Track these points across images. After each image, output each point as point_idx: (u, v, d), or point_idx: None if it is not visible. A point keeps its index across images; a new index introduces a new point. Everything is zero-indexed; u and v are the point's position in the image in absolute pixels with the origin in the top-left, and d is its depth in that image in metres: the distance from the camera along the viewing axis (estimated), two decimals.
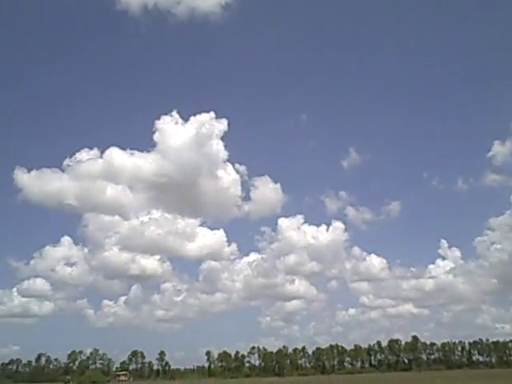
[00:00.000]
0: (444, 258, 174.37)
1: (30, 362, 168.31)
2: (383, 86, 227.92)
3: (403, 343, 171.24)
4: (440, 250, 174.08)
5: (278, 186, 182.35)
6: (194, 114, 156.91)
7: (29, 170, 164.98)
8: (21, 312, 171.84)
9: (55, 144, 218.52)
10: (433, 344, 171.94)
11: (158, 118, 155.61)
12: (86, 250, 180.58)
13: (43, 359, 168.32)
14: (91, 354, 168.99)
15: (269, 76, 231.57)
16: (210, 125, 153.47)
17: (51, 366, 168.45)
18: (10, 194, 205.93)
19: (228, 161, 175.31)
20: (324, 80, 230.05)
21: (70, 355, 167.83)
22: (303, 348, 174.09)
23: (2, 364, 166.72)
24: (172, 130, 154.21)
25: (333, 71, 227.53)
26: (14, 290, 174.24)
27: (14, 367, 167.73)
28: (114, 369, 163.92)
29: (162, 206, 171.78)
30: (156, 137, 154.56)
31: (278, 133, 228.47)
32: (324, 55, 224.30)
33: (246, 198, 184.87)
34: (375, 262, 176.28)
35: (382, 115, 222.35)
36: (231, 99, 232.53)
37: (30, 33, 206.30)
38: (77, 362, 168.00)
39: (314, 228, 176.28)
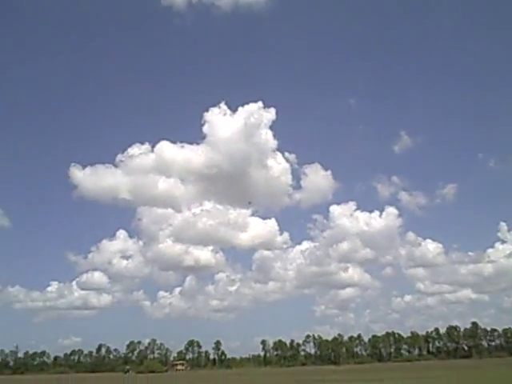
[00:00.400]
0: (504, 242, 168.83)
1: (90, 352, 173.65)
2: (433, 67, 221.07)
3: (462, 330, 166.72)
4: (499, 234, 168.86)
5: (329, 173, 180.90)
6: (242, 105, 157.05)
7: (83, 167, 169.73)
8: (81, 304, 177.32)
9: (108, 140, 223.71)
10: (494, 330, 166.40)
11: (207, 110, 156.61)
12: (140, 242, 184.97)
13: (103, 350, 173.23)
14: (149, 344, 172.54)
15: (315, 63, 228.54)
16: (258, 114, 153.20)
17: (111, 356, 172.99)
18: (67, 190, 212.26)
19: (277, 150, 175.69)
20: (371, 63, 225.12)
21: (128, 345, 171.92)
22: (359, 336, 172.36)
23: (65, 355, 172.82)
24: (221, 122, 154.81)
25: (380, 54, 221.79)
26: (74, 283, 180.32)
27: (76, 357, 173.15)
28: (172, 358, 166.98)
29: (213, 197, 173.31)
30: (205, 129, 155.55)
31: (327, 119, 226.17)
32: (370, 38, 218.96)
33: (297, 186, 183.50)
34: (431, 248, 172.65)
35: (433, 96, 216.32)
36: (278, 88, 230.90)
37: (74, 32, 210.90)
38: (135, 352, 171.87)
39: (366, 214, 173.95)
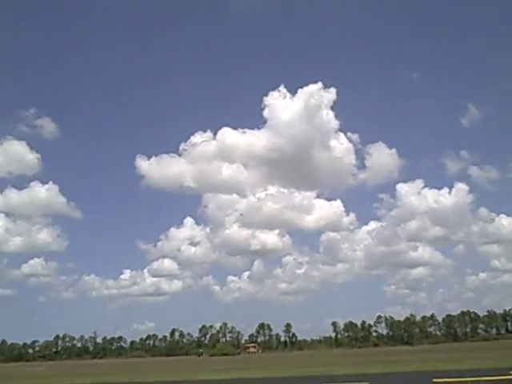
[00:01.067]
0: None
1: (165, 336, 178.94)
2: (500, 31, 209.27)
3: None
4: None
5: (394, 151, 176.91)
6: (302, 87, 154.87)
7: (148, 158, 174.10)
8: (153, 291, 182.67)
9: (170, 130, 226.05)
10: None
11: (266, 95, 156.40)
12: (207, 229, 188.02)
13: (177, 334, 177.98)
14: (221, 327, 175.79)
15: (374, 38, 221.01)
16: (318, 95, 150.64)
17: (184, 340, 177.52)
18: (134, 181, 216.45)
19: (340, 130, 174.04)
20: (434, 34, 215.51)
21: (201, 329, 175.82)
22: (432, 316, 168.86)
23: (141, 339, 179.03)
24: (281, 105, 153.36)
25: (442, 24, 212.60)
26: (145, 270, 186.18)
27: (151, 342, 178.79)
28: (243, 341, 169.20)
29: (277, 181, 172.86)
30: (265, 113, 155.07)
31: (390, 96, 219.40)
32: (431, 9, 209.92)
33: (361, 166, 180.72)
34: (505, 223, 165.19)
35: (500, 65, 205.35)
36: (338, 67, 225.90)
37: (134, 23, 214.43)
38: (208, 336, 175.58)
39: (435, 191, 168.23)
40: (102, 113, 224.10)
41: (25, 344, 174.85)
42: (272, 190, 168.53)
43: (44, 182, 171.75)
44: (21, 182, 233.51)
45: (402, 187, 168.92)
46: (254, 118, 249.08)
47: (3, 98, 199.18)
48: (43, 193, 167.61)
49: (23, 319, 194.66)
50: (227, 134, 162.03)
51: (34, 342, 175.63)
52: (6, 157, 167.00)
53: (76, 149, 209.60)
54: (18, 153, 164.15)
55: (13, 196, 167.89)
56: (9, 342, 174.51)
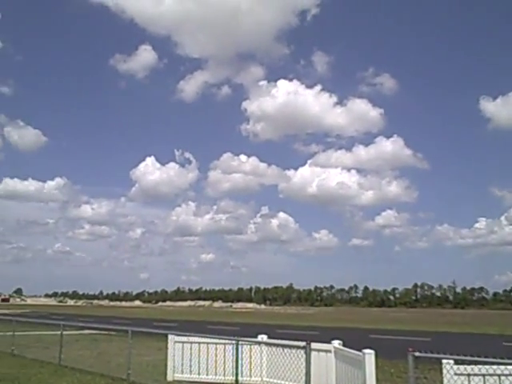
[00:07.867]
0: None
1: None
2: None
3: None
4: None
5: None
6: None
7: (494, 98, 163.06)
8: None
9: None
10: None
11: None
12: None
13: None
14: None
15: None
16: None
17: None
18: (479, 124, 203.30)
19: None
20: None
21: None
22: None
23: (504, 291, 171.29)
24: None
25: None
26: (503, 218, 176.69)
27: None
28: None
29: None
30: None
31: None
32: None
33: None
34: None
35: None
36: None
37: None
38: None
39: None
40: (434, 58, 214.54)
41: (385, 291, 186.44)
42: None
43: (388, 137, 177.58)
44: (367, 138, 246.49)
45: None
46: None
47: (344, 63, 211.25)
48: (389, 147, 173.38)
49: (382, 267, 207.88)
50: None
51: (393, 289, 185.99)
52: (351, 116, 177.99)
53: (415, 100, 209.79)
54: (362, 111, 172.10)
55: (361, 152, 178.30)
56: (371, 288, 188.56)
